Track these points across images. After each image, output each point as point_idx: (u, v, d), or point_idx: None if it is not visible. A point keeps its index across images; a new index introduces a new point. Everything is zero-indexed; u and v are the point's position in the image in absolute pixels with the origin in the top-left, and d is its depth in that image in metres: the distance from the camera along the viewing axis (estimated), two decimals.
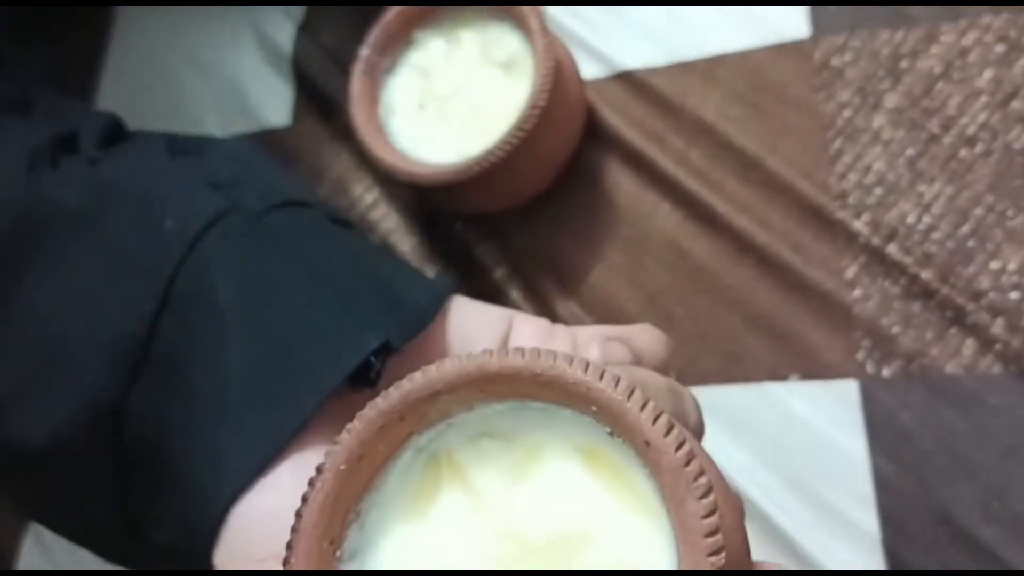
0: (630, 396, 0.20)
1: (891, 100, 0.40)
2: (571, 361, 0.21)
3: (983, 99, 0.39)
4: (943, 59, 0.40)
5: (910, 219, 0.39)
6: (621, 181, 0.44)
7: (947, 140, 0.39)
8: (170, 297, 0.29)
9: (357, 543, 0.23)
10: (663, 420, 0.20)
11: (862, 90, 0.41)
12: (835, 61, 0.41)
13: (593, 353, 0.31)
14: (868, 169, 0.40)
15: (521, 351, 0.21)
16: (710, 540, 0.19)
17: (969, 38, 0.39)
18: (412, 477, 0.23)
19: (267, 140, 0.53)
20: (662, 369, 0.31)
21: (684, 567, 0.19)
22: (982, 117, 0.39)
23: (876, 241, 0.39)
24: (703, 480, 0.19)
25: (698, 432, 0.29)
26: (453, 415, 0.23)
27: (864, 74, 0.41)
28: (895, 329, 0.38)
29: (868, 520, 0.37)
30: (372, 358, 0.28)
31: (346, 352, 0.28)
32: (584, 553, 0.21)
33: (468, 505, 0.23)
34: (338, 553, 0.22)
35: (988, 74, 0.39)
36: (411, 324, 0.30)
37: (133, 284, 0.29)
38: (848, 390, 0.38)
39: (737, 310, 0.40)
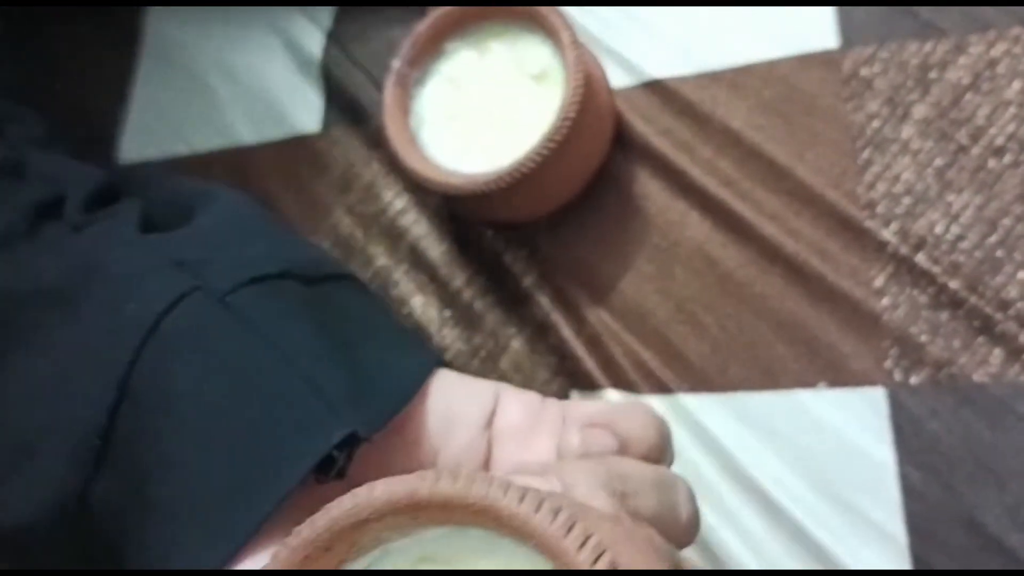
0: (568, 532, 0.19)
1: (920, 111, 0.40)
2: (506, 490, 0.20)
3: (1012, 110, 0.39)
4: (972, 70, 0.40)
5: (938, 229, 0.39)
6: (650, 190, 0.45)
7: (975, 151, 0.39)
8: (129, 386, 0.28)
9: None
10: (604, 559, 0.19)
11: (891, 101, 0.41)
12: (864, 72, 0.42)
13: (573, 441, 0.29)
14: (897, 179, 0.40)
15: (455, 475, 0.20)
16: None
17: (998, 49, 0.40)
18: None
19: (298, 147, 0.54)
20: (653, 456, 0.30)
21: None
22: (1011, 128, 0.39)
23: (904, 250, 0.39)
24: None
25: (692, 525, 0.28)
26: (388, 541, 0.22)
27: (893, 85, 0.41)
28: (923, 337, 0.38)
29: (896, 527, 0.37)
30: (335, 452, 0.26)
31: (307, 447, 0.27)
32: None
33: None
34: None
35: (1017, 85, 0.39)
36: (383, 411, 0.29)
37: (95, 372, 0.29)
38: (876, 398, 0.38)
39: (766, 318, 0.41)
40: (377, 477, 0.21)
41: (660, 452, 0.30)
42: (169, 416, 0.28)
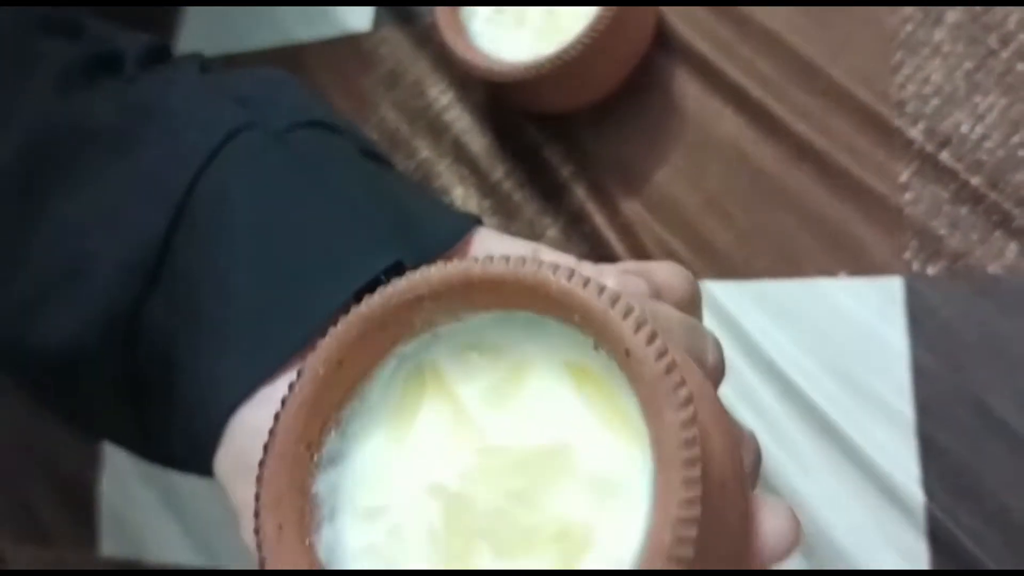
0: (613, 304, 0.19)
1: (952, 16, 0.42)
2: (555, 269, 0.20)
3: None
4: None
5: (964, 128, 0.41)
6: (688, 88, 0.46)
7: (1004, 55, 0.41)
8: (185, 210, 0.29)
9: (336, 450, 0.22)
10: (645, 330, 0.19)
11: (925, 5, 0.42)
12: None
13: (608, 283, 0.29)
14: (927, 80, 0.42)
15: (506, 259, 0.21)
16: (686, 453, 0.18)
17: None
18: (395, 388, 0.23)
19: (349, 44, 0.56)
20: (684, 307, 0.30)
21: (659, 481, 0.18)
22: None
23: (930, 148, 0.41)
24: (683, 392, 0.18)
25: (717, 372, 0.29)
26: (439, 324, 0.22)
27: None
28: (942, 231, 0.40)
29: (905, 407, 0.39)
30: (383, 277, 0.27)
31: (355, 270, 0.27)
32: (562, 468, 0.21)
33: (451, 418, 0.22)
34: (315, 457, 0.22)
35: None
36: (428, 248, 0.29)
37: (152, 197, 0.30)
38: (893, 287, 0.40)
39: (793, 211, 0.43)
40: None
41: (691, 304, 0.31)
42: (224, 238, 0.29)
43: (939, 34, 0.42)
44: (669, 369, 0.18)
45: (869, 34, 0.43)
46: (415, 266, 0.25)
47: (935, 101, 0.41)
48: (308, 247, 0.29)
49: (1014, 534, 0.37)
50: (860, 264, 0.41)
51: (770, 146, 0.44)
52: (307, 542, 0.21)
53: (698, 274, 0.43)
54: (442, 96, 0.53)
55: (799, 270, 0.42)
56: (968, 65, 0.41)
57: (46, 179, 0.32)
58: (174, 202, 0.29)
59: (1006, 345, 0.39)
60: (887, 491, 0.39)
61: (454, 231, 0.31)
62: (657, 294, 0.30)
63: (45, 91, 0.33)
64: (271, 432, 0.22)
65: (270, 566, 0.21)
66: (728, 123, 0.45)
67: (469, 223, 0.32)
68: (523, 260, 0.21)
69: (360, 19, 0.57)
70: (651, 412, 0.19)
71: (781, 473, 0.40)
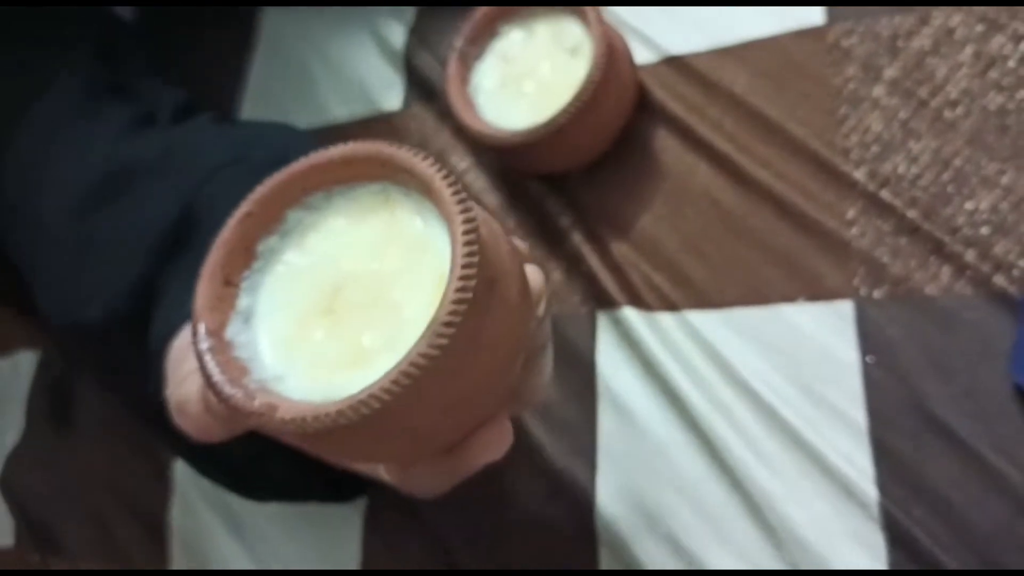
0: (433, 167, 0.29)
1: (889, 73, 0.48)
2: (416, 153, 0.29)
3: (964, 70, 0.46)
4: (933, 38, 0.48)
5: (901, 169, 0.46)
6: (667, 145, 0.53)
7: (934, 104, 0.47)
8: (191, 207, 0.43)
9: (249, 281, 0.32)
10: (448, 180, 0.28)
11: (865, 65, 0.49)
12: (844, 42, 0.50)
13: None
14: (868, 130, 0.48)
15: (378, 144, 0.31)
16: (465, 222, 0.27)
17: (955, 20, 0.47)
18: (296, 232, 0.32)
19: (381, 122, 0.65)
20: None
21: (452, 256, 0.27)
22: (963, 84, 0.46)
23: (872, 188, 0.47)
24: (467, 204, 0.27)
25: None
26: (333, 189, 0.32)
27: (868, 52, 0.49)
28: (885, 259, 0.46)
29: (858, 414, 0.44)
30: None
31: None
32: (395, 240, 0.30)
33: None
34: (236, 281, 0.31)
35: (969, 49, 0.47)
36: None
37: (169, 201, 0.43)
38: (845, 309, 0.46)
39: (757, 247, 0.49)
40: None
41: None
42: (210, 227, 0.40)
43: (878, 90, 0.48)
44: (448, 178, 0.28)
45: (818, 93, 0.49)
46: None
47: (875, 148, 0.47)
48: None
49: (958, 524, 0.41)
50: (816, 290, 0.47)
51: (737, 192, 0.50)
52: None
53: (679, 304, 0.50)
54: (461, 162, 0.60)
55: (765, 298, 0.48)
56: (903, 115, 0.47)
57: (107, 198, 0.46)
58: (184, 202, 0.43)
59: (944, 358, 0.43)
60: (845, 489, 0.43)
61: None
62: None
63: (109, 137, 0.49)
64: (204, 264, 0.31)
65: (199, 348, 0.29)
66: (701, 174, 0.52)
67: None
68: (378, 142, 0.31)
69: (392, 100, 0.65)
70: (446, 210, 0.28)
71: (752, 475, 0.45)
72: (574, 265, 0.53)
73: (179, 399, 0.35)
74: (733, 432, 0.46)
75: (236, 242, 0.32)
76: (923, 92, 0.47)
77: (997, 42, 0.46)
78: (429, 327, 0.26)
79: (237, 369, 0.29)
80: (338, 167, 0.31)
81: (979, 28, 0.47)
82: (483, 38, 0.55)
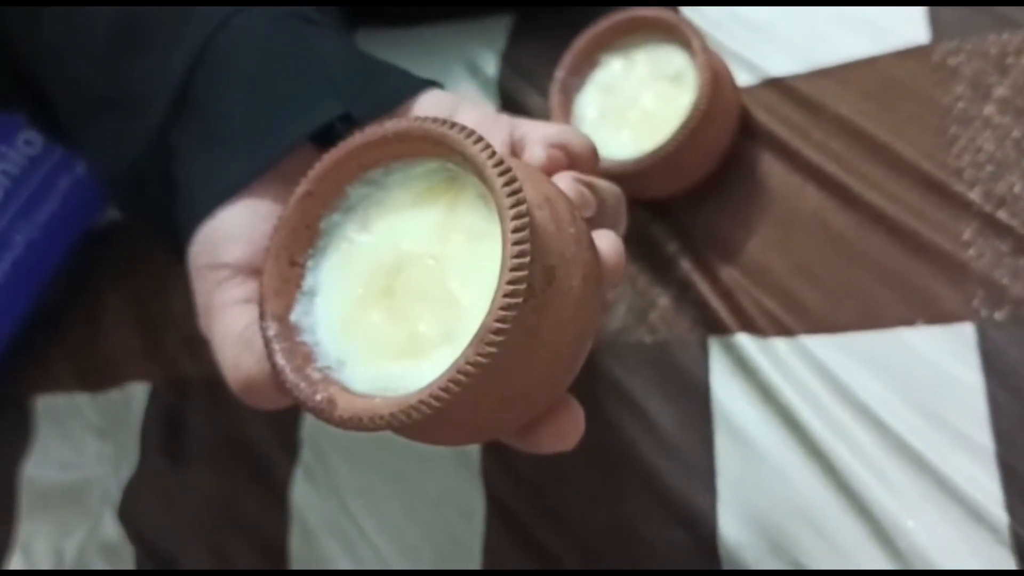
0: (476, 143, 0.28)
1: (999, 92, 0.48)
2: (452, 126, 0.29)
3: None
4: None
5: (1017, 189, 0.46)
6: (772, 169, 0.53)
7: None
8: (205, 55, 0.40)
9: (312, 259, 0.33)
10: (494, 158, 0.27)
11: (974, 84, 0.49)
12: (950, 61, 0.50)
13: (537, 154, 0.36)
14: (980, 149, 0.48)
15: (419, 119, 0.30)
16: (518, 207, 0.26)
17: None
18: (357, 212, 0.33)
19: None
20: (588, 159, 0.38)
21: (503, 252, 0.26)
22: None
23: (988, 208, 0.47)
24: (514, 183, 0.27)
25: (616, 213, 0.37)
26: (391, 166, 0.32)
27: (975, 70, 0.49)
28: (1005, 280, 0.46)
29: (984, 438, 0.44)
30: (337, 124, 0.37)
31: (311, 116, 0.37)
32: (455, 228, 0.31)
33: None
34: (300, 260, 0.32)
35: None
36: (379, 102, 0.39)
37: (183, 49, 0.41)
38: (966, 332, 0.46)
39: (871, 269, 0.49)
40: None
41: (593, 156, 0.39)
42: (231, 80, 0.39)
43: (988, 108, 0.48)
44: (499, 165, 0.27)
45: (926, 113, 0.49)
46: (363, 116, 0.37)
47: (989, 167, 0.47)
48: (283, 96, 0.39)
49: None
50: (934, 313, 0.47)
51: (847, 214, 0.50)
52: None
53: (794, 330, 0.50)
54: None
55: (881, 321, 0.48)
56: (1016, 134, 0.47)
57: (127, 44, 0.43)
58: (196, 51, 0.40)
59: None
60: (973, 513, 0.43)
61: (408, 90, 0.40)
62: (574, 159, 0.37)
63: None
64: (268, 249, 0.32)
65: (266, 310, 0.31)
66: (809, 197, 0.52)
67: (423, 85, 0.41)
68: (430, 120, 0.30)
69: None
70: (497, 200, 0.27)
71: (876, 500, 0.45)
72: (683, 291, 0.54)
73: (245, 382, 0.35)
74: (855, 457, 0.46)
75: (298, 221, 0.32)
76: None
77: None
78: (480, 329, 0.26)
79: (301, 356, 0.30)
80: (393, 143, 0.31)
81: None
82: (584, 68, 0.55)
